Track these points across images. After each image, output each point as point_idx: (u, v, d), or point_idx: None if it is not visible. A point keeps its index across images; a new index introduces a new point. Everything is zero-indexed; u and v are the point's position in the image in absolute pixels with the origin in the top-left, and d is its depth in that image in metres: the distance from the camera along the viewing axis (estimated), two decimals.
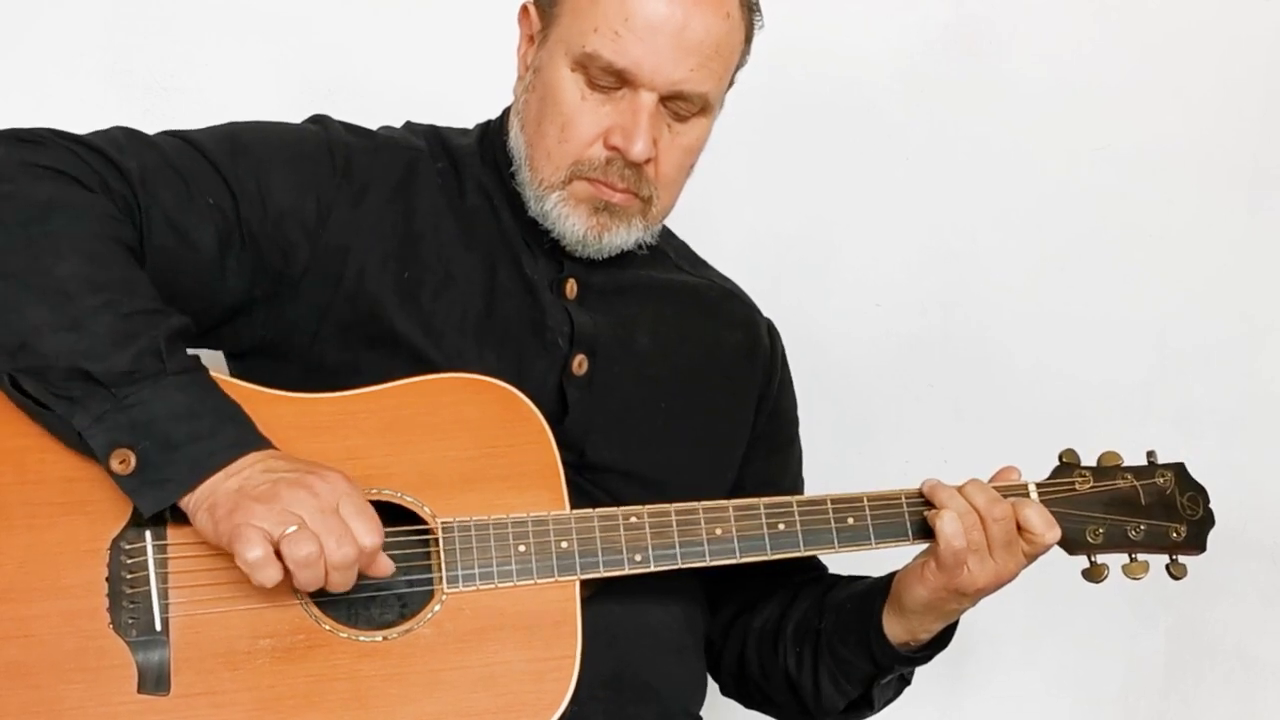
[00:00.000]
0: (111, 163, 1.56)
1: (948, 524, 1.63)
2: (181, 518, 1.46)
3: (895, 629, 1.72)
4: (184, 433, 1.44)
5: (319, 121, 1.75)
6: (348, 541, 1.42)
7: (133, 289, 1.49)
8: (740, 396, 1.87)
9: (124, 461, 1.43)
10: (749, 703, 1.95)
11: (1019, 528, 1.66)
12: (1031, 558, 1.68)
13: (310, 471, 1.44)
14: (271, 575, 1.41)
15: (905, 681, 1.82)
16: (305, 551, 1.40)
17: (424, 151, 1.76)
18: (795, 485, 1.95)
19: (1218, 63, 2.62)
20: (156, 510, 1.44)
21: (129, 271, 1.51)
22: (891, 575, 1.74)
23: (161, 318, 1.48)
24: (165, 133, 1.65)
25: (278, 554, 1.41)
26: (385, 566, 1.48)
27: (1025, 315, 2.60)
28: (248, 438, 1.47)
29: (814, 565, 1.92)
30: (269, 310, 1.66)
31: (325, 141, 1.70)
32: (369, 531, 1.44)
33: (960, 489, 1.67)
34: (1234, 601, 2.68)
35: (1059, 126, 2.57)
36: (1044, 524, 1.66)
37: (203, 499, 1.43)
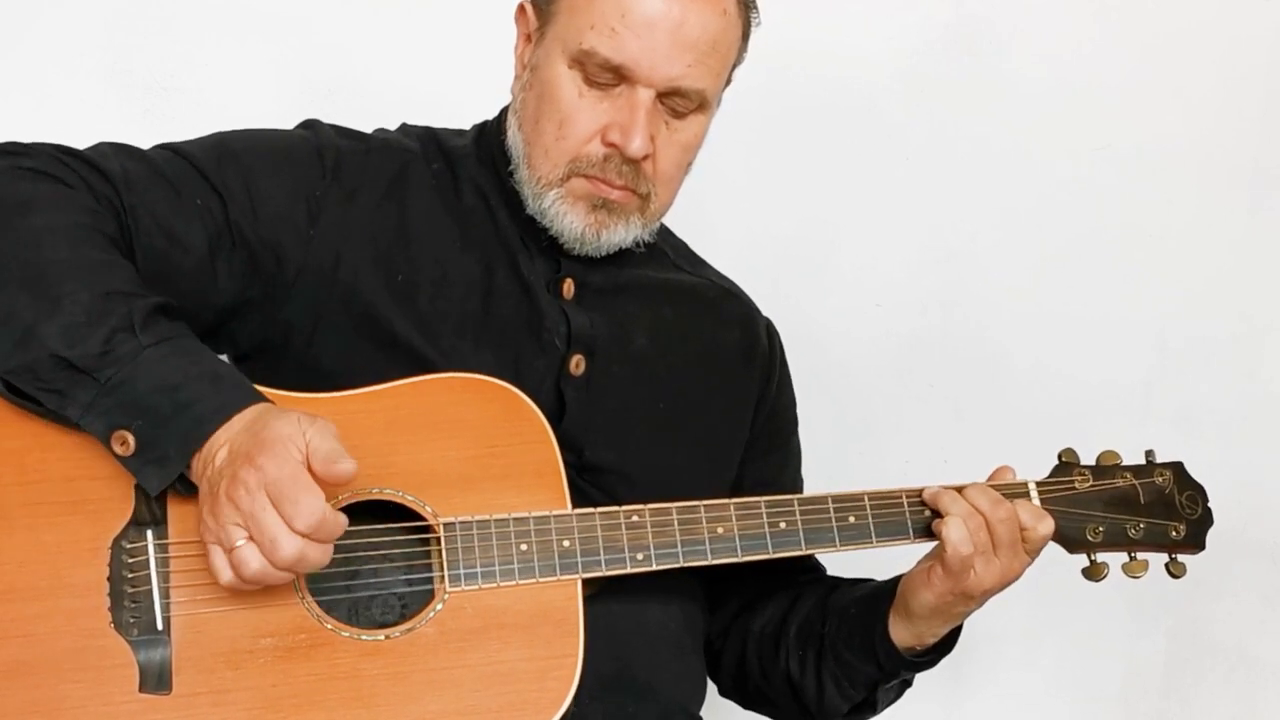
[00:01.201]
0: (95, 168, 1.57)
1: (954, 531, 1.63)
2: (189, 492, 1.46)
3: (901, 633, 1.72)
4: (171, 404, 1.42)
5: (309, 126, 1.75)
6: (283, 542, 1.37)
7: (111, 271, 1.49)
8: (738, 396, 1.86)
9: (124, 443, 1.42)
10: (748, 703, 1.95)
11: None
12: (1033, 554, 1.68)
13: (249, 456, 1.39)
14: (252, 587, 1.42)
15: (907, 684, 1.82)
16: (250, 571, 1.39)
17: (417, 153, 1.76)
18: (794, 485, 1.94)
19: (1218, 63, 2.62)
20: (162, 488, 1.44)
21: (108, 256, 1.50)
22: (896, 579, 1.75)
23: (139, 297, 1.47)
24: (154, 146, 1.66)
25: None
26: (345, 473, 1.42)
27: (1025, 315, 2.61)
28: (230, 399, 1.45)
29: (812, 566, 1.92)
30: (264, 312, 1.66)
31: (315, 145, 1.70)
32: (302, 513, 1.38)
33: (961, 492, 1.67)
34: (1234, 602, 2.68)
35: (1059, 126, 2.58)
36: (1034, 518, 1.66)
37: (199, 481, 1.43)
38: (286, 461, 1.39)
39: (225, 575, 1.40)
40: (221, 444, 1.42)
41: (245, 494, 1.38)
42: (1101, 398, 2.61)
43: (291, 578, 1.43)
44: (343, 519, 1.42)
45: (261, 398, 1.47)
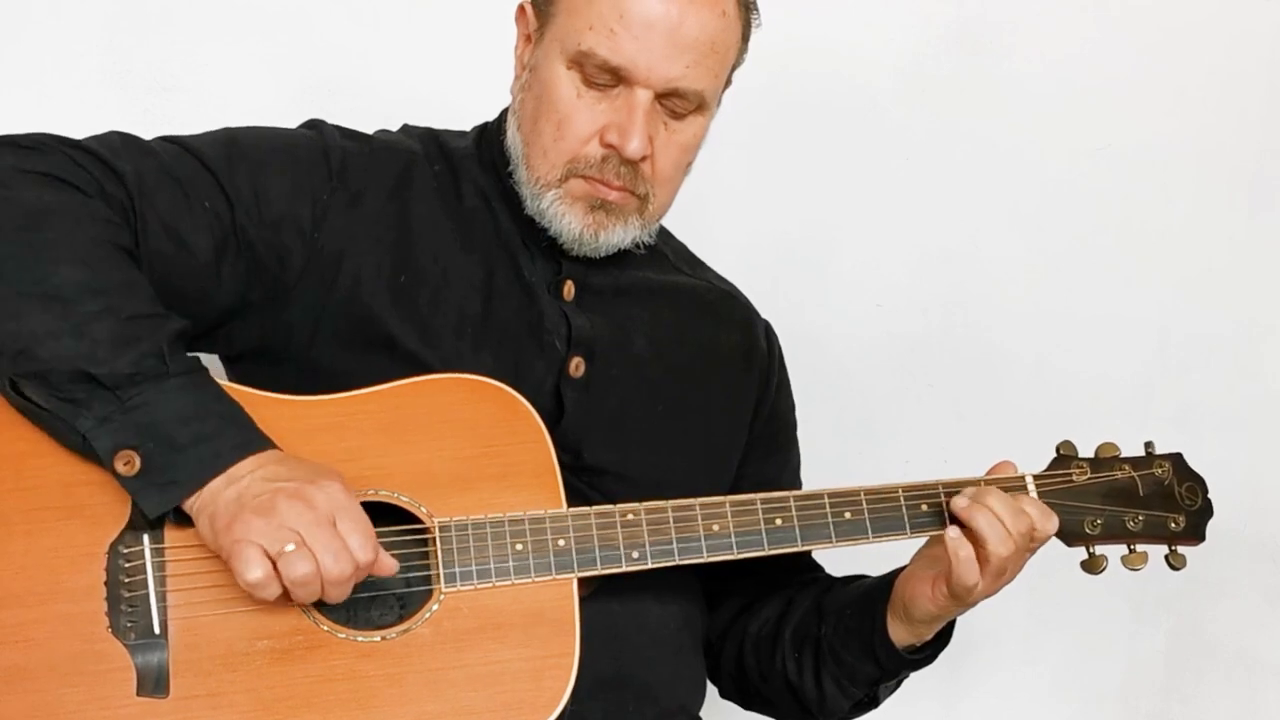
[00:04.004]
0: (108, 167, 1.57)
1: (965, 567, 1.62)
2: (180, 520, 1.47)
3: (899, 633, 1.72)
4: (188, 434, 1.44)
5: (314, 126, 1.75)
6: (344, 558, 1.43)
7: (132, 293, 1.49)
8: (737, 399, 1.86)
9: (128, 463, 1.43)
10: (749, 704, 1.95)
11: None
12: (1032, 553, 1.68)
13: (309, 481, 1.44)
14: (272, 592, 1.43)
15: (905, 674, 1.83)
16: (301, 571, 1.41)
17: (419, 154, 1.76)
18: (793, 487, 1.93)
19: (1218, 63, 2.61)
20: (161, 512, 1.45)
21: (128, 275, 1.51)
22: (888, 577, 1.75)
23: (161, 321, 1.49)
24: (162, 138, 1.66)
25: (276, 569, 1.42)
26: (388, 567, 1.48)
27: (1025, 315, 2.60)
28: (251, 439, 1.47)
29: (811, 566, 1.92)
30: (265, 314, 1.66)
31: (321, 146, 1.70)
32: (363, 546, 1.44)
33: (987, 502, 1.63)
34: (1235, 601, 2.67)
35: (1059, 126, 2.57)
36: (1041, 515, 1.65)
37: (205, 504, 1.44)
38: (350, 498, 1.45)
39: (256, 573, 1.40)
40: (247, 471, 1.44)
41: (308, 508, 1.42)
42: (1102, 398, 2.61)
43: (318, 598, 1.45)
44: (395, 563, 1.49)
45: (273, 444, 1.49)
